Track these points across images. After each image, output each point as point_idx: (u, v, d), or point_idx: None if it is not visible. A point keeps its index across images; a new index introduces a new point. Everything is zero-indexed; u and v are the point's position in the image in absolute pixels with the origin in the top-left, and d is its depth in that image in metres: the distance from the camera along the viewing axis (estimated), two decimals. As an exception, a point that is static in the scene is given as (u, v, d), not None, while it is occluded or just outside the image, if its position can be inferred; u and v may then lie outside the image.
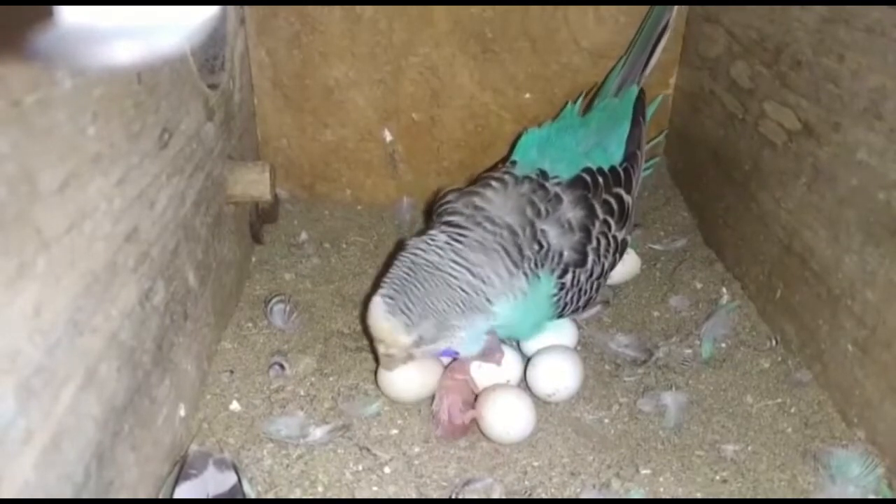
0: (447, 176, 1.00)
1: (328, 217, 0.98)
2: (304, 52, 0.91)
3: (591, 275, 0.69)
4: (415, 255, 0.63)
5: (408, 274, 0.62)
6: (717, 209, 0.89)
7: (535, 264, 0.65)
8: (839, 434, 0.61)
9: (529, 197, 0.68)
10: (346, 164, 0.99)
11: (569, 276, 0.67)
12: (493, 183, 0.70)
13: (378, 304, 0.61)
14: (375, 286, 0.82)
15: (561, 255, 0.67)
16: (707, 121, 0.91)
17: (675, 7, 0.89)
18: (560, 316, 0.70)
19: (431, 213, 0.75)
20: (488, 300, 0.62)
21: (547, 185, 0.69)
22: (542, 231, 0.66)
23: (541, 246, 0.66)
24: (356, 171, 1.00)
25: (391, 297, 0.60)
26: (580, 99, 0.90)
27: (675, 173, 1.03)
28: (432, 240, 0.64)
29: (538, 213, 0.67)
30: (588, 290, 0.70)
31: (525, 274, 0.64)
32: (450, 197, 0.71)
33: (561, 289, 0.67)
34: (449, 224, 0.67)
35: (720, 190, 0.88)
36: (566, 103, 0.89)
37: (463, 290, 0.61)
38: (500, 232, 0.65)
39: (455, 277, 0.62)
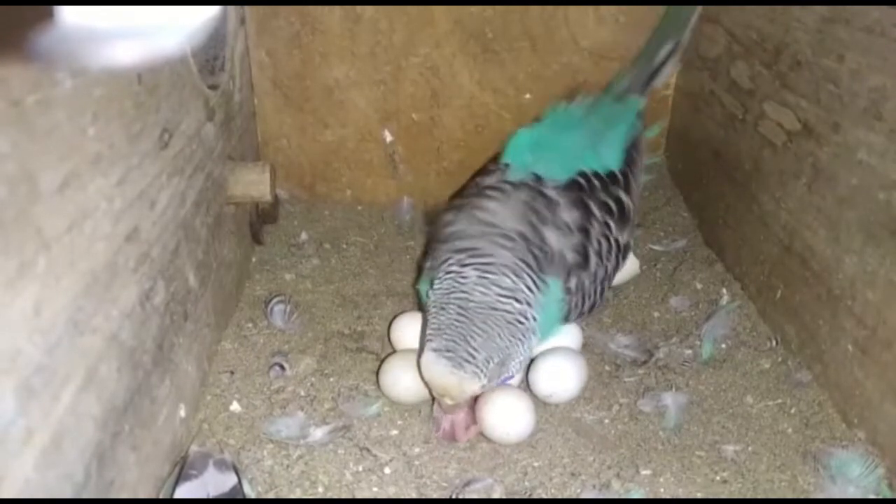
0: (447, 176, 1.00)
1: (328, 217, 0.98)
2: (305, 52, 0.91)
3: (594, 278, 0.68)
4: (459, 299, 0.61)
5: (460, 321, 0.59)
6: (718, 209, 0.89)
7: (542, 270, 0.64)
8: (839, 434, 0.61)
9: (530, 204, 0.67)
10: (347, 164, 0.99)
11: (573, 280, 0.66)
12: (492, 193, 0.68)
13: (437, 362, 0.58)
14: (376, 286, 0.83)
15: (563, 257, 0.66)
16: (707, 121, 0.91)
17: (695, 15, 0.86)
18: (566, 321, 0.69)
19: (430, 237, 0.72)
20: (534, 318, 0.62)
21: (544, 189, 0.68)
22: (545, 237, 0.65)
23: (544, 252, 0.65)
24: (356, 171, 1.00)
25: (449, 350, 0.58)
26: (574, 102, 0.88)
27: (675, 173, 1.03)
28: (463, 278, 0.62)
29: (542, 220, 0.66)
30: (592, 295, 0.69)
31: (537, 284, 0.63)
32: (449, 217, 0.69)
33: (567, 293, 0.66)
34: (463, 251, 0.64)
35: (720, 190, 0.88)
36: (558, 103, 0.88)
37: (519, 321, 0.60)
38: (516, 245, 0.64)
39: (509, 311, 0.60)
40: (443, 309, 0.61)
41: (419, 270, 0.84)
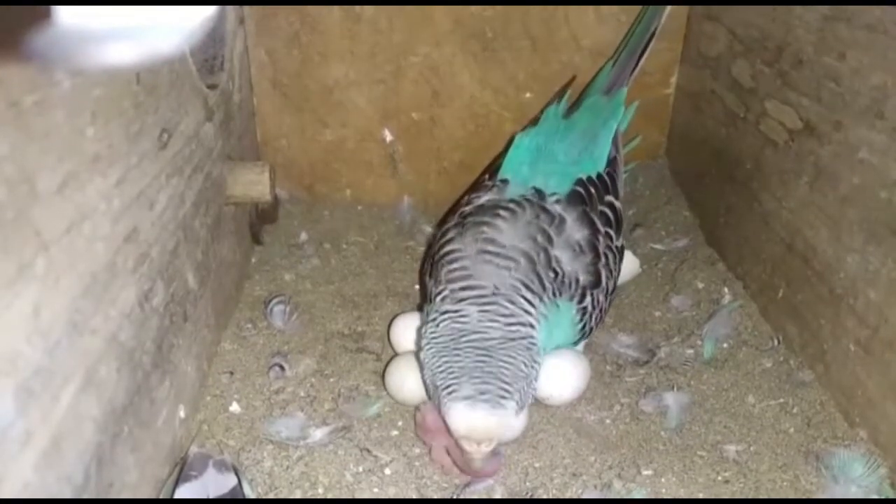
0: (447, 176, 0.99)
1: (328, 217, 0.98)
2: (304, 51, 0.91)
3: (606, 291, 0.68)
4: (473, 340, 0.58)
5: (483, 360, 0.56)
6: (719, 208, 0.88)
7: (553, 293, 0.63)
8: (841, 434, 0.61)
9: (537, 224, 0.66)
10: (346, 164, 0.99)
11: (588, 300, 0.65)
12: (498, 212, 0.67)
13: (475, 409, 0.54)
14: (376, 287, 0.83)
15: (577, 280, 0.65)
16: (708, 120, 0.91)
17: (666, 11, 0.88)
18: (585, 337, 0.69)
19: (432, 249, 0.71)
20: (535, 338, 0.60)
21: (547, 206, 0.67)
22: (556, 258, 0.64)
23: (556, 273, 0.64)
24: (356, 171, 1.00)
25: (483, 393, 0.55)
26: (563, 100, 0.87)
27: (676, 173, 1.03)
28: (464, 317, 0.60)
29: (549, 239, 0.65)
30: (606, 306, 0.70)
31: (544, 302, 0.62)
32: (450, 235, 0.68)
33: (584, 314, 0.65)
34: (456, 280, 0.63)
35: (722, 189, 0.88)
36: (548, 104, 0.87)
37: (532, 345, 0.59)
38: (519, 266, 0.62)
39: (523, 337, 0.59)
40: (456, 353, 0.58)
41: (421, 281, 0.83)
